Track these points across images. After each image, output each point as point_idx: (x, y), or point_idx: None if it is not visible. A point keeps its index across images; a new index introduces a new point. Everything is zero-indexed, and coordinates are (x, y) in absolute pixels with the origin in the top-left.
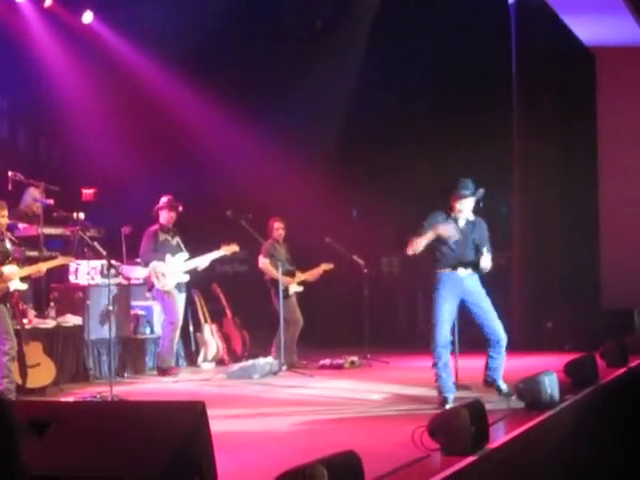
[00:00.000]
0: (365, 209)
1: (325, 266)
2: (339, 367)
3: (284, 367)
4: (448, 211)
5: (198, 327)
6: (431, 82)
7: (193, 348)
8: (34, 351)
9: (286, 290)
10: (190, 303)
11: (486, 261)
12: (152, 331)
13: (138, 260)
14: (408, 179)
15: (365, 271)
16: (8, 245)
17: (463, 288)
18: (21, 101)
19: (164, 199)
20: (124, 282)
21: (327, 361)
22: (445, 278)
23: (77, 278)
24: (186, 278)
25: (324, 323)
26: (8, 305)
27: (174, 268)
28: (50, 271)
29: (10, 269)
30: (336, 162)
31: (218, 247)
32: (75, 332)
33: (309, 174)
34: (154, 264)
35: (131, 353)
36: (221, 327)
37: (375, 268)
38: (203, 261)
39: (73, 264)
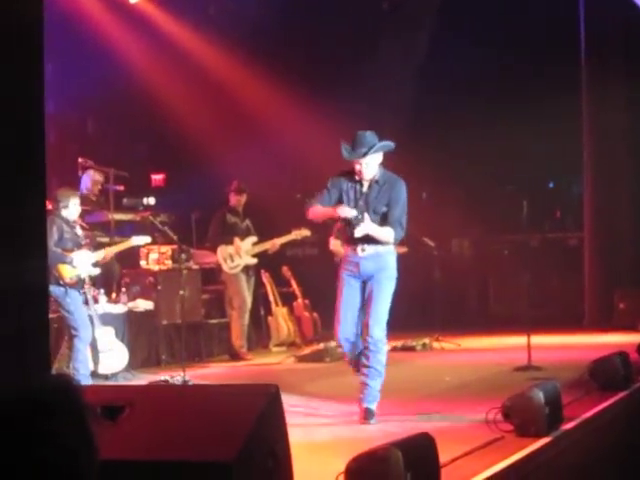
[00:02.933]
0: (435, 191)
1: (400, 249)
2: (411, 349)
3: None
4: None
5: (269, 310)
6: (498, 60)
7: (264, 332)
8: (106, 337)
9: None
10: (260, 286)
11: (385, 234)
12: (223, 315)
13: (208, 245)
14: (477, 160)
15: (435, 253)
16: (79, 232)
17: (361, 271)
18: (89, 86)
19: (233, 183)
20: (194, 267)
21: (399, 344)
22: (345, 257)
23: (148, 263)
24: (254, 261)
25: (394, 306)
26: (81, 291)
27: (242, 251)
28: (121, 256)
29: (82, 254)
30: (405, 144)
31: (289, 231)
32: (146, 317)
33: None
34: (222, 248)
35: (202, 337)
36: (292, 310)
37: (445, 250)
38: (273, 244)
39: (143, 249)
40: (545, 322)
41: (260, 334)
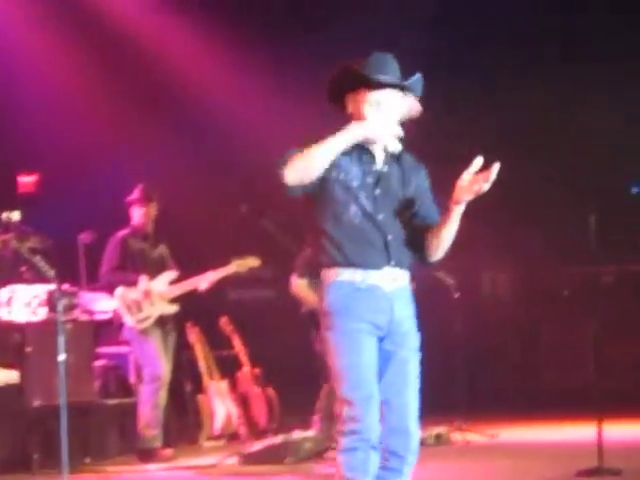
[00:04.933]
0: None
1: None
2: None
3: (333, 445)
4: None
5: (198, 385)
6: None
7: (191, 418)
8: None
9: None
10: (185, 348)
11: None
12: (127, 393)
13: (102, 284)
14: (519, 154)
15: (456, 295)
16: None
17: (393, 318)
18: None
19: (137, 188)
20: (83, 318)
21: None
22: (348, 290)
23: (11, 312)
24: (174, 309)
25: None
26: None
27: (155, 295)
28: None
29: None
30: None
31: (228, 262)
32: (9, 396)
33: None
34: (123, 290)
35: (96, 427)
36: (235, 385)
37: (473, 290)
38: (203, 282)
39: (4, 292)
40: (624, 399)
41: (185, 421)
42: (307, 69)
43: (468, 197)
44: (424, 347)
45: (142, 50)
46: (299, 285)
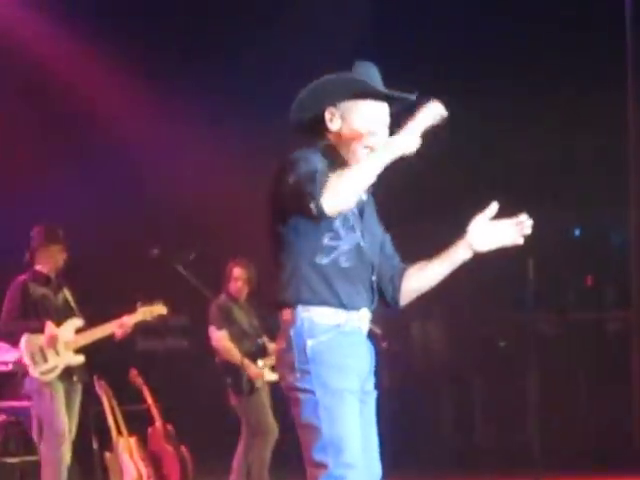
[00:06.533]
0: None
1: None
2: None
3: None
4: (330, 147)
5: (107, 443)
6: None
7: (99, 477)
8: None
9: (251, 381)
10: (92, 403)
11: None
12: (30, 450)
13: (3, 333)
14: (448, 190)
15: (384, 345)
16: None
17: (368, 361)
18: None
19: (37, 229)
20: None
21: None
22: (334, 334)
23: None
24: (80, 360)
25: None
26: None
27: (61, 344)
28: None
29: None
30: None
31: (134, 308)
32: None
33: None
34: (28, 337)
35: None
36: (145, 442)
37: (401, 340)
38: (109, 331)
39: None
40: (567, 462)
41: None
42: (213, 107)
43: (491, 247)
44: None
45: (51, 86)
46: (220, 337)
